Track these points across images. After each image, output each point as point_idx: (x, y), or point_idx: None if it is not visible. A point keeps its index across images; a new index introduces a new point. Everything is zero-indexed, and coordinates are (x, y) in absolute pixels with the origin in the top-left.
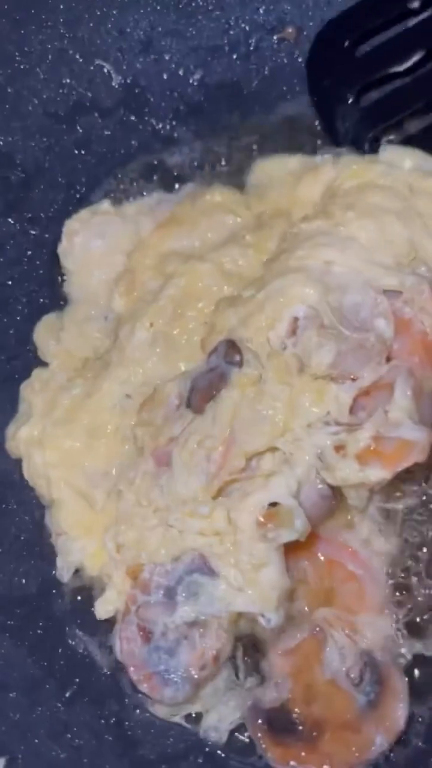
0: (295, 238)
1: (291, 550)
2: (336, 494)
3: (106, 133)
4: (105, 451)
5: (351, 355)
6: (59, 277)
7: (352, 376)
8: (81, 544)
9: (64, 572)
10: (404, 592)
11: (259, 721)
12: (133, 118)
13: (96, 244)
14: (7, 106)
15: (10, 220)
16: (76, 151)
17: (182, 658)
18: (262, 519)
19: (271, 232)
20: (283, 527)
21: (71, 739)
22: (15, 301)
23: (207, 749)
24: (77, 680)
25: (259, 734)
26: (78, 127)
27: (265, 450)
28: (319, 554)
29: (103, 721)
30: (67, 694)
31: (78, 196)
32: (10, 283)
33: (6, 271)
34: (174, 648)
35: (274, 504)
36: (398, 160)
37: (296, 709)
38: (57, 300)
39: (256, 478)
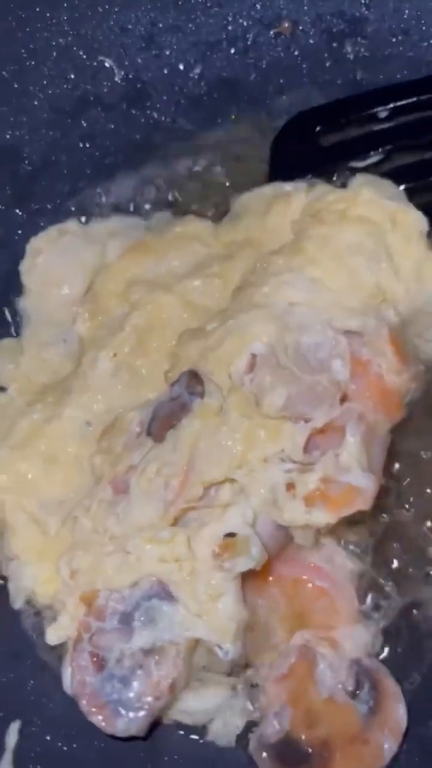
0: (264, 272)
1: (255, 581)
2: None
3: (109, 126)
4: (61, 479)
5: (302, 398)
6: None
7: (304, 417)
8: (33, 570)
9: (16, 599)
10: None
11: (267, 757)
12: (135, 112)
13: (59, 263)
14: (14, 102)
15: (17, 211)
16: (81, 145)
17: (137, 687)
18: (218, 550)
19: (238, 264)
20: (240, 556)
21: None
22: None
23: None
24: None
25: None
26: (82, 122)
27: (223, 480)
28: (284, 576)
29: None
30: None
31: (82, 186)
32: (21, 269)
33: (14, 259)
34: (128, 676)
35: (231, 534)
36: (369, 188)
37: (302, 736)
38: None
39: (214, 508)
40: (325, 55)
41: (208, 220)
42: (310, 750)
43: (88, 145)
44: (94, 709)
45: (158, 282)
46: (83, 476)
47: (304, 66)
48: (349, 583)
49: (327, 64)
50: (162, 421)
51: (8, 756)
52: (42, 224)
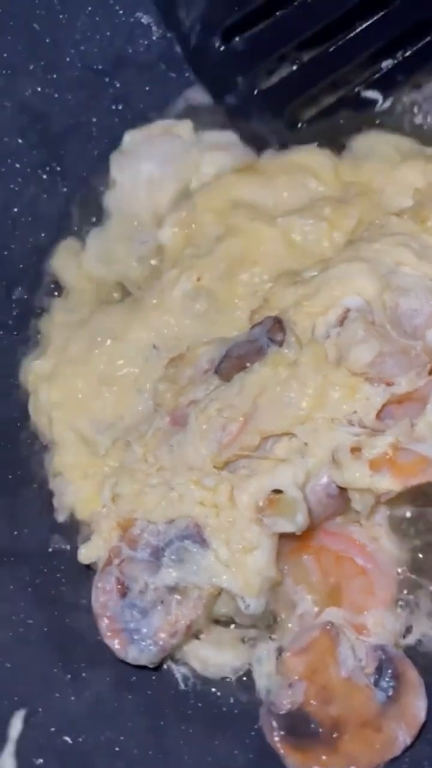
0: (378, 231)
1: (293, 544)
2: (344, 495)
3: (145, 87)
4: (114, 400)
5: (392, 359)
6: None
7: (387, 380)
8: (75, 487)
9: (59, 513)
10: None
11: (276, 726)
12: (172, 74)
13: (152, 162)
14: (44, 57)
15: (43, 174)
16: (114, 106)
17: (154, 621)
18: (261, 503)
19: (351, 211)
20: (282, 516)
21: (91, 696)
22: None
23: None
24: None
25: (277, 740)
26: (116, 82)
27: (282, 434)
28: (326, 548)
29: (123, 680)
30: (92, 651)
31: (113, 151)
32: (43, 235)
33: (39, 226)
34: (149, 609)
35: (278, 491)
36: None
37: (314, 711)
38: None
39: (266, 461)
40: None
41: (328, 150)
42: (320, 726)
43: (120, 107)
44: (110, 633)
45: (262, 211)
46: (139, 401)
47: None
48: (391, 568)
49: None
50: (233, 361)
51: (11, 747)
52: (65, 190)
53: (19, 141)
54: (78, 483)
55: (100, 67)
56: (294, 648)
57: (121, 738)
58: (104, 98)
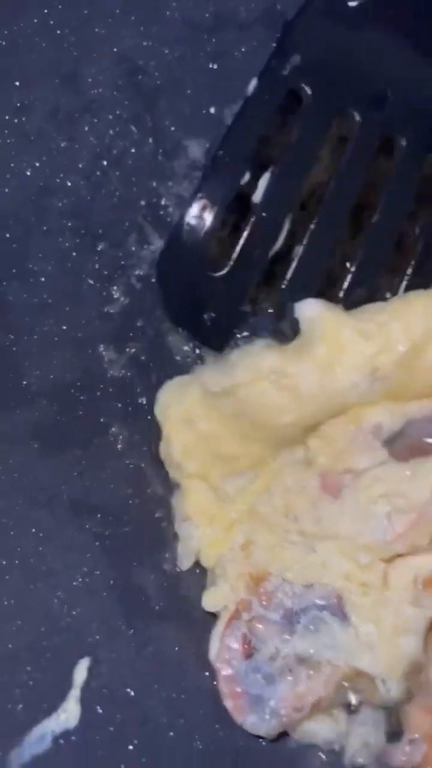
0: None
1: None
2: None
3: (241, 49)
4: (256, 453)
5: None
6: None
7: None
8: (202, 531)
9: (184, 560)
10: None
11: None
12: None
13: None
14: (146, 7)
15: (134, 128)
16: (210, 65)
17: (280, 691)
18: (420, 582)
19: None
20: None
21: (153, 652)
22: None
23: None
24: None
25: None
26: (214, 40)
27: None
28: None
29: (185, 640)
30: (156, 607)
31: (204, 112)
32: (134, 189)
33: (125, 181)
34: (275, 677)
35: None
36: None
37: None
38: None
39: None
40: None
41: None
42: None
43: (215, 66)
44: (230, 694)
45: None
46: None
47: None
48: None
49: None
50: (412, 442)
51: (76, 692)
52: (154, 145)
53: (114, 93)
54: (205, 528)
55: (199, 22)
56: (424, 703)
57: (183, 696)
58: (201, 56)
